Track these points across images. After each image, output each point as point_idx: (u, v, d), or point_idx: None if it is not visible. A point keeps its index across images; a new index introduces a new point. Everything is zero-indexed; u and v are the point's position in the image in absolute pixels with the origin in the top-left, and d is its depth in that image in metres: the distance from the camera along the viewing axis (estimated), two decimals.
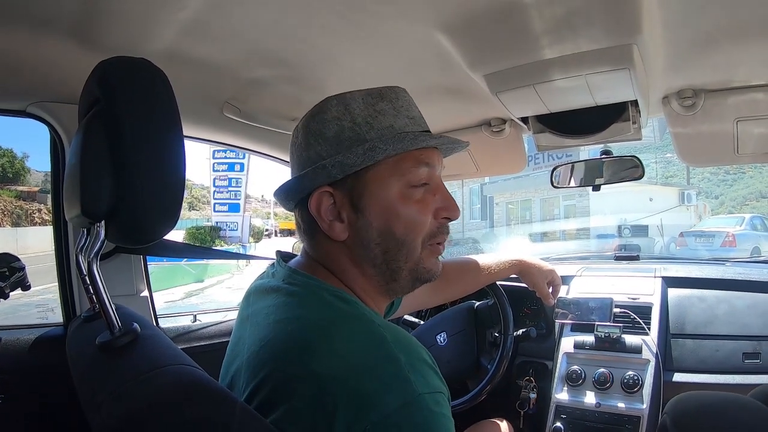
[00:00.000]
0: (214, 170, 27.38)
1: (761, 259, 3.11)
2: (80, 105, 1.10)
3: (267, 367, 0.92)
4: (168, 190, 0.95)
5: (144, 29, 1.37)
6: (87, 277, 1.03)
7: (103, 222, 0.94)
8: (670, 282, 2.42)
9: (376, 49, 1.55)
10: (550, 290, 2.17)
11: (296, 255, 1.20)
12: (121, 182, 0.91)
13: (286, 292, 1.04)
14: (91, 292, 1.12)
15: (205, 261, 17.16)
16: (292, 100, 1.89)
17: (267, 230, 35.42)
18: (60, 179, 1.78)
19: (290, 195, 1.11)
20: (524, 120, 2.03)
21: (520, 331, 2.21)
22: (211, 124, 2.02)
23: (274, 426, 0.82)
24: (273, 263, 1.19)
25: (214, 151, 26.61)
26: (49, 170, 1.85)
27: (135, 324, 1.02)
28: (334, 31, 1.43)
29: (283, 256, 1.18)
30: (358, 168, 1.03)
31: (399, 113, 1.09)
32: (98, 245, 0.95)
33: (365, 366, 0.86)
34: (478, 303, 2.34)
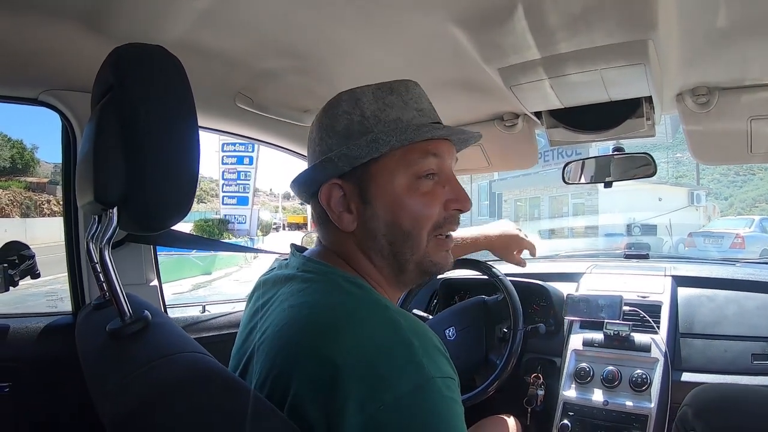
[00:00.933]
0: (223, 163, 27.41)
1: None
2: (93, 92, 1.09)
3: (283, 351, 0.93)
4: (182, 177, 0.94)
5: (158, 18, 1.37)
6: (98, 264, 1.03)
7: (115, 209, 0.94)
8: (680, 281, 2.41)
9: (389, 41, 1.54)
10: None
11: (308, 249, 1.21)
12: (134, 168, 0.90)
13: (302, 279, 1.05)
14: (102, 279, 1.12)
15: (213, 253, 17.19)
16: (304, 92, 1.89)
17: (275, 224, 35.50)
18: (71, 168, 1.79)
19: (303, 187, 1.14)
20: (537, 115, 2.03)
21: (529, 327, 2.20)
22: (223, 115, 2.02)
23: (290, 408, 0.84)
24: (286, 258, 1.20)
25: (223, 144, 26.64)
26: (59, 161, 1.85)
27: (146, 312, 1.02)
28: (348, 23, 1.42)
29: (297, 248, 1.19)
30: (364, 160, 1.05)
31: (407, 106, 1.10)
32: (110, 232, 0.95)
33: (380, 349, 0.87)
34: (487, 298, 2.34)
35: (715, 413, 1.35)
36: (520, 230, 2.14)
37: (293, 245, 1.22)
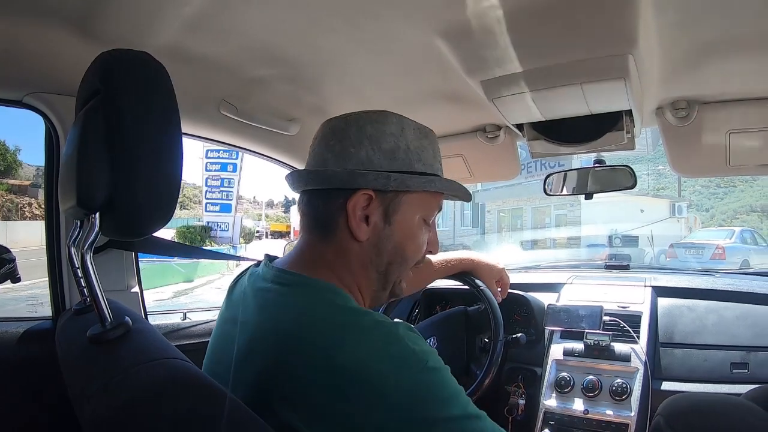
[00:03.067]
0: (206, 170, 27.29)
1: (750, 271, 3.13)
2: (78, 96, 1.09)
3: (268, 367, 0.94)
4: (165, 183, 0.95)
5: (145, 23, 1.37)
6: (80, 269, 1.03)
7: (97, 214, 0.94)
8: (660, 291, 2.43)
9: (376, 52, 1.56)
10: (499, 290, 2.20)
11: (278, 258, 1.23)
12: (118, 174, 0.91)
13: (278, 292, 1.06)
14: (83, 284, 1.12)
15: (195, 260, 17.09)
16: (290, 101, 1.89)
17: (258, 232, 35.35)
18: (54, 171, 1.77)
19: (333, 183, 1.12)
20: (519, 127, 2.05)
21: (510, 337, 2.21)
22: (207, 122, 2.01)
23: (284, 422, 0.86)
24: (257, 263, 1.22)
25: (207, 151, 26.56)
26: (42, 164, 1.84)
27: (127, 318, 1.02)
28: (336, 33, 1.44)
29: (271, 259, 1.20)
30: (413, 190, 1.14)
31: (436, 156, 1.21)
32: (92, 237, 0.95)
33: (373, 351, 0.92)
34: (468, 308, 2.35)
35: (685, 421, 1.37)
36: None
37: (267, 255, 1.23)
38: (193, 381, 0.83)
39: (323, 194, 1.14)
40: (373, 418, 0.86)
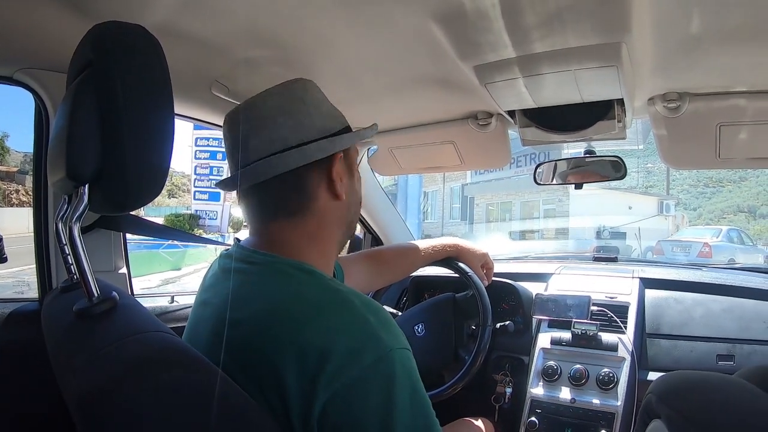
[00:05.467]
0: (196, 158, 27.07)
1: (737, 266, 3.16)
2: (70, 69, 1.08)
3: (238, 345, 0.95)
4: (156, 157, 0.94)
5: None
6: (67, 245, 1.02)
7: (86, 186, 0.94)
8: (648, 283, 2.45)
9: (369, 35, 1.55)
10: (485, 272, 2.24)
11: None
12: (109, 145, 0.90)
13: (247, 272, 1.08)
14: (71, 261, 1.11)
15: (182, 248, 17.02)
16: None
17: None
18: (43, 149, 1.75)
19: (316, 154, 1.13)
20: (511, 114, 2.05)
21: (498, 325, 2.22)
22: (198, 102, 2.01)
23: (264, 398, 0.87)
24: (228, 248, 1.23)
25: (196, 139, 26.32)
26: (29, 150, 1.82)
27: (114, 292, 1.01)
28: (329, 14, 1.42)
29: (241, 242, 1.21)
30: (365, 139, 1.30)
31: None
32: (81, 209, 0.95)
33: (339, 329, 0.92)
34: (457, 295, 2.35)
35: (679, 397, 1.37)
36: None
37: (237, 239, 1.23)
38: (180, 353, 0.83)
39: (296, 173, 1.13)
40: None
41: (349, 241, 1.36)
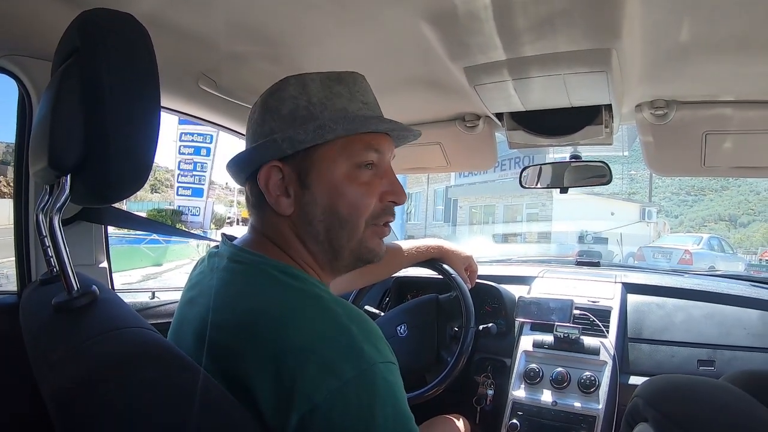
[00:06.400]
0: (180, 153, 26.91)
1: (718, 273, 3.19)
2: (56, 56, 1.06)
3: (218, 348, 0.93)
4: (140, 149, 0.92)
5: None
6: (47, 237, 1.00)
7: (68, 176, 0.92)
8: (630, 288, 2.47)
9: (360, 34, 1.54)
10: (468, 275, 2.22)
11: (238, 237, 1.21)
12: (92, 135, 0.88)
13: (233, 271, 1.05)
14: (50, 254, 1.09)
15: (164, 244, 16.93)
16: (269, 78, 1.82)
17: (229, 218, 35.09)
18: (25, 138, 1.72)
19: (241, 167, 1.13)
20: (499, 117, 2.06)
21: (481, 327, 2.22)
22: (184, 95, 1.98)
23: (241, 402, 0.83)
24: (217, 245, 1.19)
25: (181, 134, 26.18)
26: (10, 141, 1.78)
27: (94, 286, 1.00)
28: (320, 11, 1.41)
29: (229, 238, 1.18)
30: (308, 145, 1.06)
31: (354, 97, 1.13)
32: (62, 200, 0.93)
33: (319, 338, 0.88)
34: (440, 296, 2.35)
35: (666, 400, 1.37)
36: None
37: (224, 235, 1.21)
38: (161, 350, 0.81)
39: (243, 179, 1.16)
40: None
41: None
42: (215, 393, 0.80)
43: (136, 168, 0.92)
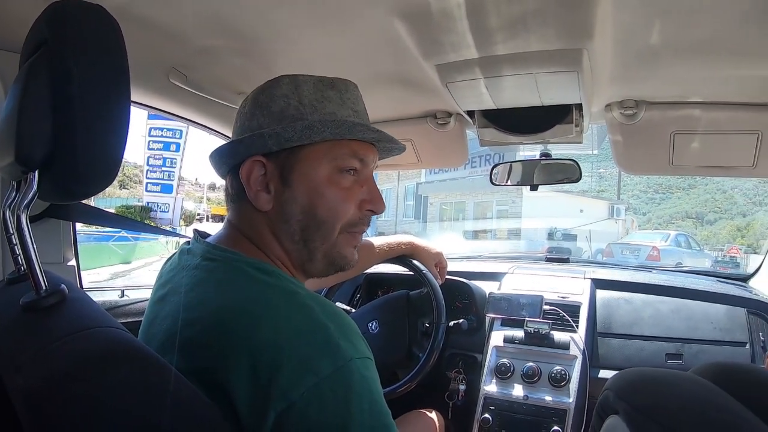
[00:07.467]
0: (149, 148, 26.56)
1: (686, 269, 3.25)
2: (24, 48, 1.03)
3: (191, 346, 0.92)
4: (109, 143, 0.90)
5: None
6: (14, 235, 0.99)
7: (36, 173, 0.89)
8: (599, 284, 2.50)
9: (332, 30, 1.54)
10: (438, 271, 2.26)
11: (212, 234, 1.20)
12: (61, 130, 0.85)
13: (206, 269, 1.04)
14: (18, 252, 1.07)
15: (133, 241, 16.75)
16: (241, 74, 1.85)
17: (199, 215, 34.77)
18: None
19: (224, 159, 1.13)
20: (470, 114, 2.07)
21: (452, 323, 2.24)
22: (156, 90, 1.95)
23: (217, 399, 0.83)
24: (188, 241, 1.18)
25: (150, 129, 25.85)
26: None
27: (63, 285, 0.98)
28: (293, 7, 1.41)
29: (201, 234, 1.17)
30: (294, 144, 1.07)
31: (344, 104, 1.14)
32: (30, 196, 0.90)
33: (295, 334, 0.88)
34: (411, 292, 2.36)
35: (637, 393, 1.39)
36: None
37: (196, 231, 1.20)
38: (133, 350, 0.80)
39: (225, 171, 1.17)
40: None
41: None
42: (187, 393, 0.79)
43: (106, 164, 0.90)
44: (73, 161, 0.87)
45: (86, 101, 0.86)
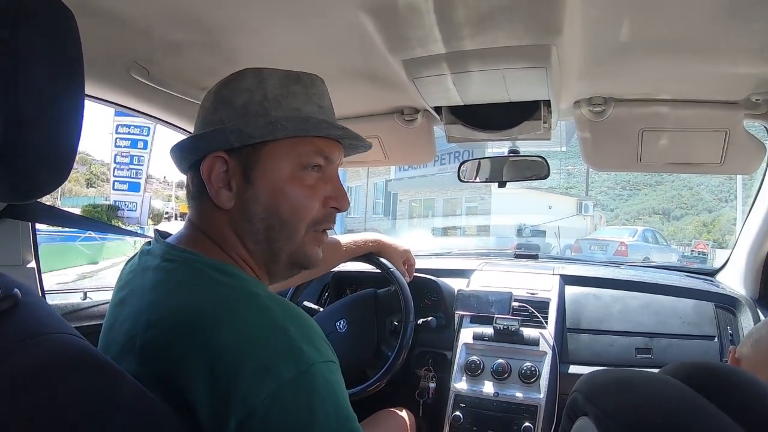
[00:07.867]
0: (116, 146, 26.21)
1: (653, 264, 3.28)
2: None
3: (150, 349, 0.90)
4: (63, 139, 0.86)
5: None
6: None
7: None
8: (568, 280, 2.51)
9: (297, 24, 1.51)
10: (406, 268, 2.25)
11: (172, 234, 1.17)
12: (10, 126, 0.80)
13: (165, 270, 1.01)
14: None
15: (100, 241, 16.52)
16: (204, 69, 1.81)
17: (167, 213, 34.46)
18: None
19: (185, 154, 1.10)
20: (437, 110, 2.06)
21: (421, 321, 2.23)
22: (117, 85, 1.87)
23: (175, 405, 0.80)
24: (149, 242, 1.15)
25: (117, 126, 25.51)
26: None
27: (16, 290, 0.95)
28: (257, 0, 1.39)
29: (162, 235, 1.14)
30: (257, 140, 1.04)
31: (310, 99, 1.12)
32: None
33: (255, 338, 0.86)
34: (379, 291, 2.35)
35: (606, 396, 1.39)
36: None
37: (157, 231, 1.16)
38: (85, 357, 0.77)
39: (186, 167, 1.13)
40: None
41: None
42: (143, 402, 0.77)
43: (58, 162, 0.87)
44: (23, 158, 0.82)
45: (37, 97, 0.82)
